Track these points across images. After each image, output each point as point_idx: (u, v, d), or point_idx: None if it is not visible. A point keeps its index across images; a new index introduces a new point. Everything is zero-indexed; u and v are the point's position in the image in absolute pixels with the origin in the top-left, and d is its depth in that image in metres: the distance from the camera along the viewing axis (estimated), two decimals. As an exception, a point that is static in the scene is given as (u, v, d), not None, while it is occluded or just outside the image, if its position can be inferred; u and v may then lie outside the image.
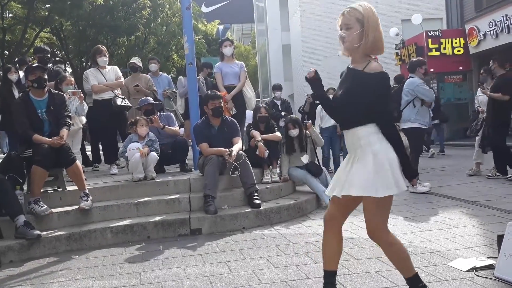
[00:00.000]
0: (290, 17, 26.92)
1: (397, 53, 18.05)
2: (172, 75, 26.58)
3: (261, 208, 5.02)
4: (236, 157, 5.18)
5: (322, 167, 6.16)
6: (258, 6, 37.62)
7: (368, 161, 2.44)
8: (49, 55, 7.21)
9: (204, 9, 39.02)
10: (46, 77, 5.01)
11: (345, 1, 22.85)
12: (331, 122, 7.85)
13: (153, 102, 6.39)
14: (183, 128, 7.63)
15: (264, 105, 6.49)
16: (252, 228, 4.83)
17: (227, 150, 5.18)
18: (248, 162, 5.27)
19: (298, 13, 24.25)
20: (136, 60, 7.71)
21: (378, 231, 2.50)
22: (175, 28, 27.35)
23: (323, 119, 8.01)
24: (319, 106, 8.16)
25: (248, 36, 53.65)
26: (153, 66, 8.05)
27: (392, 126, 2.60)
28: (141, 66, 7.74)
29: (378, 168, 2.41)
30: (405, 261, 2.55)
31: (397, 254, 2.54)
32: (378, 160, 2.43)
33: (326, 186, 5.77)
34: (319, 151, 7.66)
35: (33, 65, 5.30)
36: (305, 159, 6.06)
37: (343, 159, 7.70)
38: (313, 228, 4.73)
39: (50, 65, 7.33)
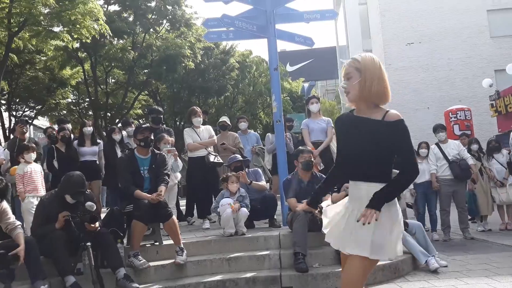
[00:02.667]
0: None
1: (492, 104, 17.09)
2: (259, 131, 27.25)
3: (354, 267, 4.83)
4: (326, 213, 5.09)
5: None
6: (342, 63, 38.02)
7: (377, 223, 2.33)
8: (161, 116, 7.71)
9: (289, 68, 40.21)
10: (152, 137, 5.39)
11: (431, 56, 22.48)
12: (426, 177, 7.42)
13: (241, 159, 6.58)
14: (269, 183, 7.71)
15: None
16: (344, 288, 4.64)
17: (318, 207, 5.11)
18: (339, 218, 5.15)
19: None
20: (225, 119, 8.06)
21: None
22: (261, 87, 28.29)
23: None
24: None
25: (333, 91, 53.90)
26: (243, 125, 8.33)
27: (412, 180, 2.51)
28: (230, 124, 8.08)
29: (389, 232, 2.37)
30: None
31: None
32: (388, 223, 2.37)
33: (425, 246, 5.45)
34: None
35: (143, 125, 5.74)
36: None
37: (441, 216, 7.33)
38: (410, 290, 4.44)
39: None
